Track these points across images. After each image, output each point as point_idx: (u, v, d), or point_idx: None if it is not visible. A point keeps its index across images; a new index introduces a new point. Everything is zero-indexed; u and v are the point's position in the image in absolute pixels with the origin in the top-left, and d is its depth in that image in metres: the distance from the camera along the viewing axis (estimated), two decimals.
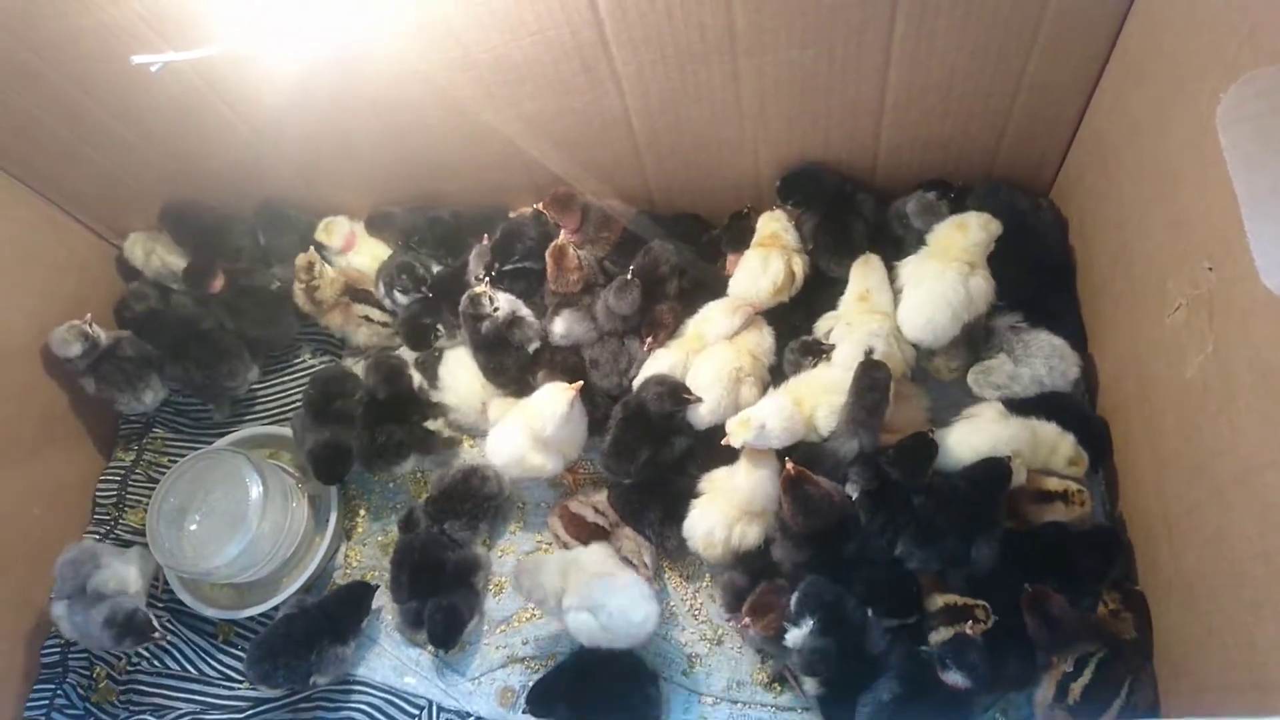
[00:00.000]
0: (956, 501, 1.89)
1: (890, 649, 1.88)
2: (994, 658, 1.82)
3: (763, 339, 2.21)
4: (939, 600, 1.91)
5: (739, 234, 2.35)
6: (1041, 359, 2.07)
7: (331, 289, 2.48)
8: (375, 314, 2.53)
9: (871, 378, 1.94)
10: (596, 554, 2.10)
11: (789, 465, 1.90)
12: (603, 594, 1.97)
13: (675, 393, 2.07)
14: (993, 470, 1.89)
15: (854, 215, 2.30)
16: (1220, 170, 1.38)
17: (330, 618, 2.14)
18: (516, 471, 2.17)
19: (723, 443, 1.99)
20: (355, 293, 2.54)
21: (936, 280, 2.05)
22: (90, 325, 2.43)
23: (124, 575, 2.23)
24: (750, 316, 2.19)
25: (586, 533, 2.16)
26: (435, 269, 2.52)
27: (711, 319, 2.21)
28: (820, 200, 2.30)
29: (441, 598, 2.13)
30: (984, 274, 2.07)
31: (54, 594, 2.21)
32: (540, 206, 2.36)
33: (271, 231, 2.59)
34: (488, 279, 2.35)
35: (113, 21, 1.89)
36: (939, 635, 1.86)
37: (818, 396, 2.04)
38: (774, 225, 2.28)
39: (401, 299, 2.45)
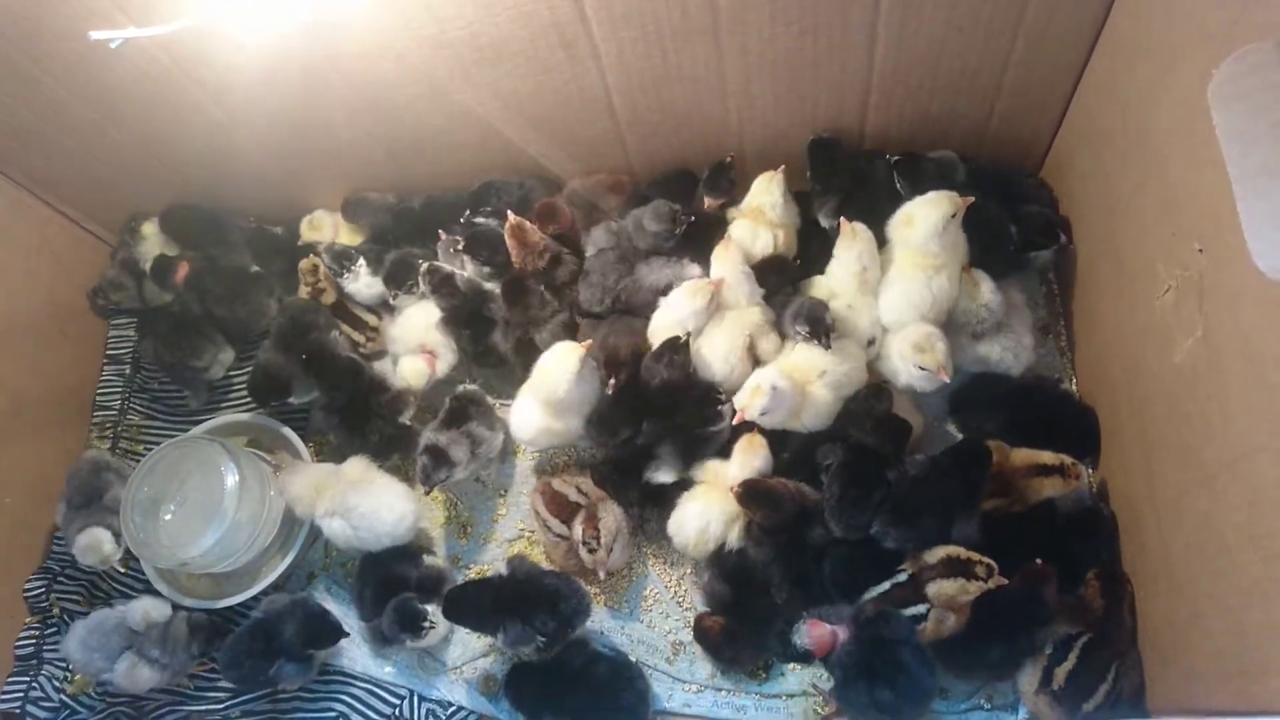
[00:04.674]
0: (932, 481, 1.87)
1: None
2: (976, 645, 1.81)
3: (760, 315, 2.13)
4: (940, 552, 1.86)
5: (717, 181, 2.28)
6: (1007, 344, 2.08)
7: (335, 293, 2.49)
8: (353, 334, 2.48)
9: (892, 427, 1.96)
10: (358, 464, 2.19)
11: (733, 487, 1.92)
12: (356, 497, 2.09)
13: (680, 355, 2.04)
14: (971, 451, 1.89)
15: (874, 185, 2.22)
16: (1211, 149, 1.35)
17: (286, 644, 2.04)
18: (545, 442, 2.18)
19: (735, 421, 1.96)
20: (340, 309, 2.49)
21: (904, 286, 2.03)
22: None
23: (142, 609, 2.15)
24: (714, 295, 2.07)
25: (568, 511, 2.11)
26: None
27: (673, 303, 2.10)
28: (838, 178, 2.23)
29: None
30: (948, 273, 2.02)
31: (98, 669, 2.12)
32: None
33: (262, 258, 2.57)
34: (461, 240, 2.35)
35: None
36: (936, 588, 1.82)
37: (804, 389, 1.99)
38: (764, 199, 2.20)
39: (352, 284, 2.45)
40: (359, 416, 2.28)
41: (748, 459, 2.00)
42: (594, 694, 1.96)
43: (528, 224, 2.23)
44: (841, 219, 2.07)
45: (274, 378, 2.32)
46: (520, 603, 1.94)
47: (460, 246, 2.33)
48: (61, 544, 2.47)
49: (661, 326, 2.11)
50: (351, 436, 2.29)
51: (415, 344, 2.35)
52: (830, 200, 2.23)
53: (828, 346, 1.99)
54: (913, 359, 1.98)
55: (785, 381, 1.93)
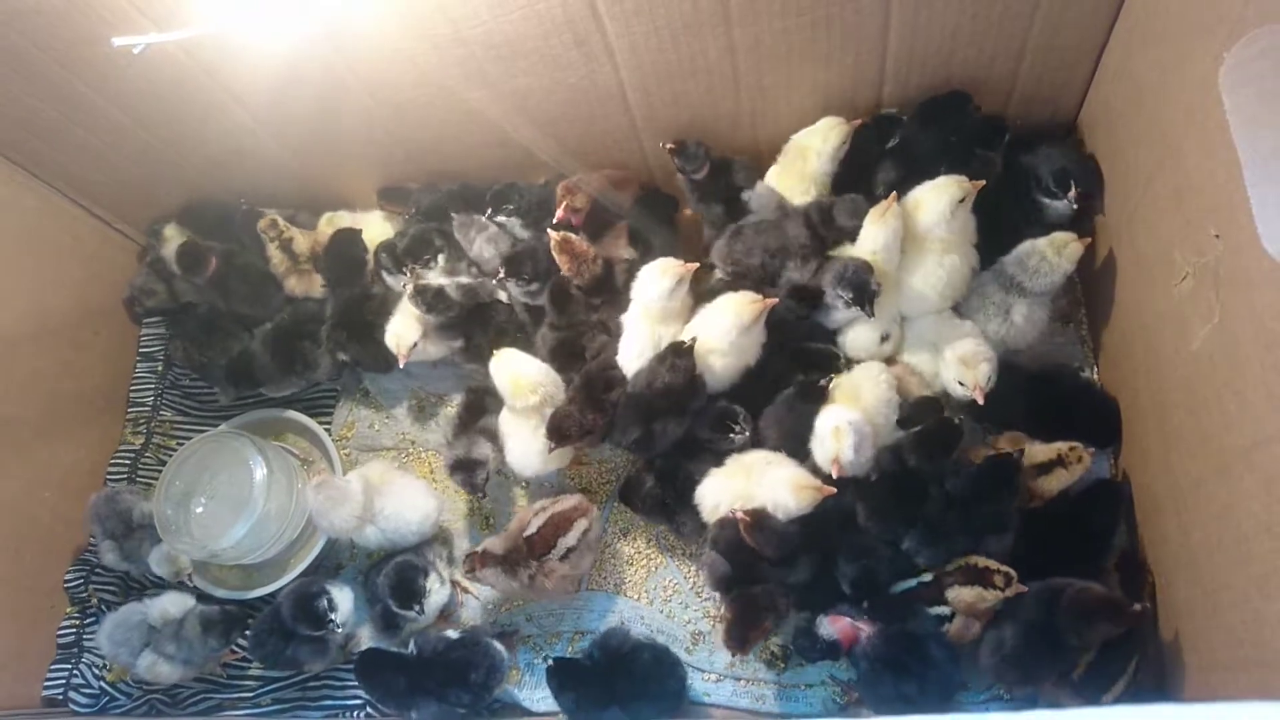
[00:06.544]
0: (966, 503, 1.84)
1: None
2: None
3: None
4: (957, 560, 1.85)
5: (683, 164, 2.20)
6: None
7: (306, 240, 2.50)
8: None
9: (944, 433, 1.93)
10: (376, 467, 2.24)
11: (740, 513, 1.83)
12: (380, 502, 2.13)
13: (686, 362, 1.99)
14: (1001, 471, 1.83)
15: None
16: (1225, 134, 1.34)
17: (292, 627, 2.08)
18: (555, 463, 2.17)
19: (836, 475, 1.82)
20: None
21: (918, 269, 2.01)
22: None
23: (161, 605, 2.21)
24: (683, 279, 1.99)
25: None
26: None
27: (640, 282, 2.04)
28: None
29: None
30: (960, 252, 2.00)
31: (126, 663, 2.18)
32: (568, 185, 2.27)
33: None
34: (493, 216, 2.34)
35: (97, 0, 1.87)
36: (954, 594, 1.81)
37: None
38: (814, 141, 2.10)
39: (390, 280, 2.43)
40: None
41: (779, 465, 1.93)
42: (637, 682, 1.96)
43: (572, 235, 2.18)
44: (894, 194, 1.97)
45: (249, 368, 2.43)
46: (431, 681, 1.98)
47: (500, 276, 2.25)
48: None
49: (631, 313, 2.10)
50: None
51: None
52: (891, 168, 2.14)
53: (871, 314, 1.94)
54: (955, 372, 1.96)
55: (856, 414, 1.83)
